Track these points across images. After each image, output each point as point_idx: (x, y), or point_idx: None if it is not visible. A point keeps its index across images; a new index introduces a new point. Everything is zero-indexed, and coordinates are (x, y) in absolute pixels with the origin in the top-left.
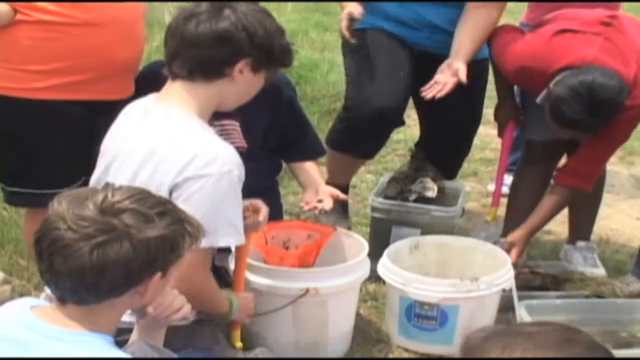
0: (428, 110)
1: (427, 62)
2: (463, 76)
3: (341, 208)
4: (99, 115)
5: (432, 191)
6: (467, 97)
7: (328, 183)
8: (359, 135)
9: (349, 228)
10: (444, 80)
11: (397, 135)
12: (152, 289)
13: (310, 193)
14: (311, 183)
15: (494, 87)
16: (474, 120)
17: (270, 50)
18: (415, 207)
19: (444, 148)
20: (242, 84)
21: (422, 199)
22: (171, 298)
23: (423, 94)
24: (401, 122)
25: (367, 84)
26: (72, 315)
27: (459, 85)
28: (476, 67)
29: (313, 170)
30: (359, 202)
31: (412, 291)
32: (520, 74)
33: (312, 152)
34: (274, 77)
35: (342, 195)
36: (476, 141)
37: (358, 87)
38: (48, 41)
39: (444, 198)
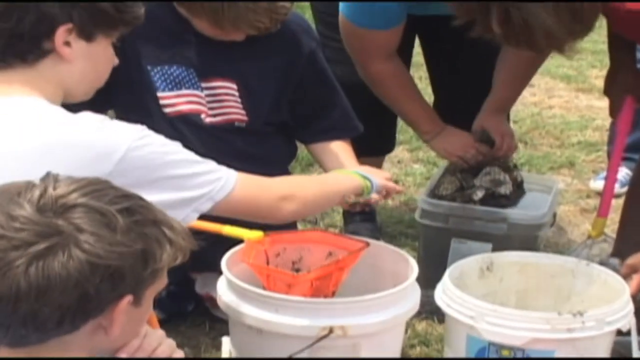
0: (439, 74)
1: (433, 22)
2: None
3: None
4: None
5: (505, 186)
6: (482, 61)
7: None
8: None
9: (378, 239)
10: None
11: None
12: (120, 321)
13: None
14: (341, 167)
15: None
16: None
17: (94, 6)
18: (485, 212)
19: (456, 118)
20: (79, 60)
21: (492, 198)
22: (154, 341)
23: None
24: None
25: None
26: None
27: (474, 48)
28: None
29: (345, 154)
30: (402, 204)
31: (487, 329)
32: None
33: (343, 128)
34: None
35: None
36: (573, 116)
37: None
38: None
39: (525, 198)
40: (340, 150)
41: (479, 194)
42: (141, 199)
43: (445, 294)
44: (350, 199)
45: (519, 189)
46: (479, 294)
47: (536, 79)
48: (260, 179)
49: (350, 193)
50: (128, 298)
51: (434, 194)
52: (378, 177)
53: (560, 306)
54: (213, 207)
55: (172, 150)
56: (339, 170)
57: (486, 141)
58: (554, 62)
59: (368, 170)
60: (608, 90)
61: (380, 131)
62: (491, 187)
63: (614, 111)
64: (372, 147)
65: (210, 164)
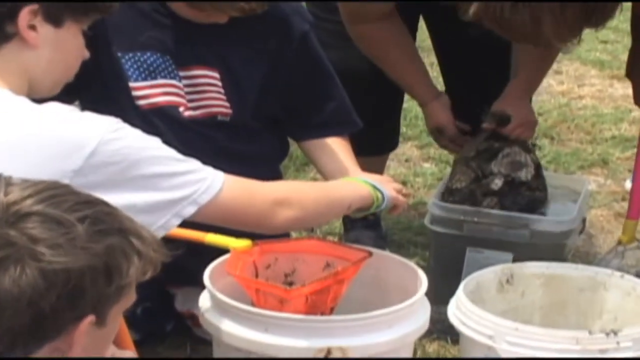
0: (447, 61)
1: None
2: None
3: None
4: None
5: (526, 170)
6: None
7: None
8: None
9: (383, 248)
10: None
11: None
12: (80, 345)
13: None
14: (340, 172)
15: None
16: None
17: None
18: (505, 217)
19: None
20: (46, 47)
21: (512, 186)
22: None
23: None
24: (389, 93)
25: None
26: None
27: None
28: None
29: (342, 152)
30: (411, 208)
31: (507, 349)
32: None
33: (339, 123)
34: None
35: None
36: (607, 107)
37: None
38: None
39: (551, 201)
40: (337, 148)
41: (498, 183)
42: (106, 204)
43: (459, 310)
44: (357, 210)
45: (538, 174)
46: (497, 310)
47: (564, 65)
48: (251, 182)
49: (358, 204)
50: (90, 318)
51: (448, 190)
52: (388, 187)
53: (591, 324)
54: (197, 212)
55: (151, 145)
56: (345, 178)
57: (505, 123)
58: (585, 45)
59: (376, 179)
60: (631, 73)
61: (382, 125)
62: (510, 173)
63: (638, 97)
64: (373, 144)
65: (193, 163)
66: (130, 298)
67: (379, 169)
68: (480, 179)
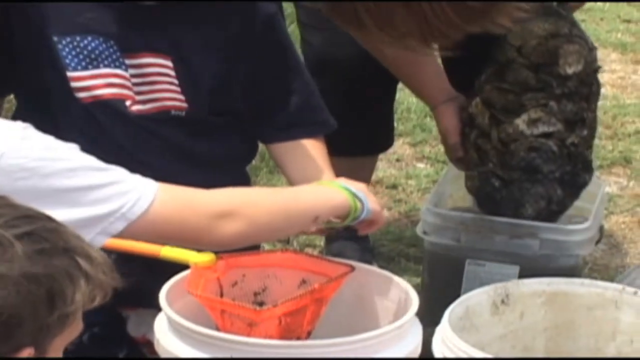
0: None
1: None
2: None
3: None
4: None
5: (550, 125)
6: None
7: None
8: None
9: (370, 262)
10: None
11: None
12: None
13: None
14: (309, 180)
15: None
16: None
17: None
18: (509, 225)
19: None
20: None
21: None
22: None
23: None
24: (380, 82)
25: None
26: None
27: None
28: None
29: (313, 156)
30: (402, 216)
31: None
32: None
33: (309, 122)
34: None
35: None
36: (630, 97)
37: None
38: None
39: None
40: (307, 151)
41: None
42: (50, 219)
43: (444, 344)
44: (328, 222)
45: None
46: (493, 336)
47: None
48: (190, 191)
49: (328, 214)
50: (28, 351)
51: (441, 200)
52: (371, 198)
53: (603, 347)
54: (127, 228)
55: (65, 155)
56: (320, 182)
57: None
58: (604, 25)
59: (359, 188)
60: None
61: (372, 122)
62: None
63: None
64: (363, 142)
65: (118, 173)
66: (75, 327)
67: (368, 172)
68: (491, 155)
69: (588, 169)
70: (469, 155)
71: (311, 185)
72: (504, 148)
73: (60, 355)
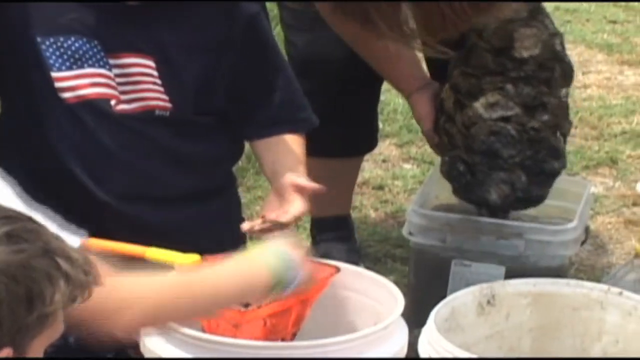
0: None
1: None
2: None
3: (342, 227)
4: None
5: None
6: None
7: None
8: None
9: (356, 263)
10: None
11: None
12: None
13: (274, 194)
14: (281, 172)
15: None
16: None
17: None
18: (495, 225)
19: None
20: None
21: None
22: None
23: None
24: (364, 82)
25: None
26: None
27: None
28: None
29: (291, 152)
30: (389, 217)
31: None
32: None
33: (290, 120)
34: None
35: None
36: (616, 97)
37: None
38: None
39: (548, 207)
40: (284, 149)
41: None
42: (31, 220)
43: (431, 345)
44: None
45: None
46: (479, 336)
47: (567, 49)
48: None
49: (243, 300)
50: (6, 351)
51: (427, 199)
52: (306, 268)
53: (588, 348)
54: None
55: None
56: (253, 257)
57: None
58: (590, 26)
59: (289, 259)
60: None
61: (358, 121)
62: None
63: None
64: (347, 143)
65: None
66: (56, 328)
67: (353, 173)
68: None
69: (556, 156)
70: (442, 141)
71: (239, 261)
72: (467, 132)
73: (40, 356)
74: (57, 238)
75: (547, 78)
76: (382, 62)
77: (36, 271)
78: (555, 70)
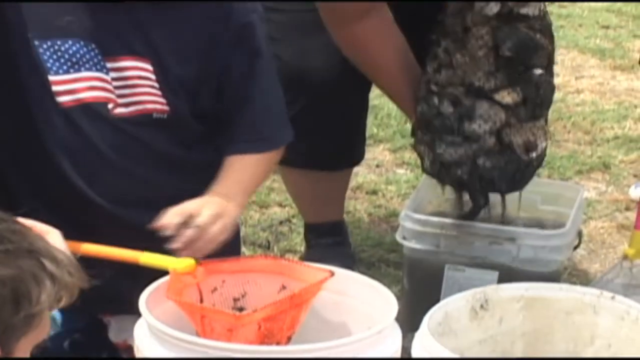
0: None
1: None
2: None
3: (336, 232)
4: None
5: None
6: None
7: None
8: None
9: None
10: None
11: None
12: None
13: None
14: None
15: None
16: None
17: None
18: (488, 230)
19: None
20: None
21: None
22: None
23: None
24: (352, 93)
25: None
26: None
27: None
28: None
29: (235, 169)
30: (382, 221)
31: None
32: None
33: (252, 138)
34: None
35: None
36: (608, 102)
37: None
38: None
39: (541, 212)
40: (234, 164)
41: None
42: (15, 222)
43: (425, 350)
44: None
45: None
46: (472, 340)
47: (559, 54)
48: None
49: None
50: None
51: (421, 204)
52: None
53: (581, 352)
54: None
55: None
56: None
57: None
58: (583, 31)
59: None
60: None
61: (344, 134)
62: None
63: None
64: (335, 156)
65: None
66: (42, 329)
67: (343, 182)
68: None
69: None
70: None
71: None
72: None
73: (27, 356)
74: (42, 239)
75: None
76: (385, 80)
77: (22, 271)
78: None
